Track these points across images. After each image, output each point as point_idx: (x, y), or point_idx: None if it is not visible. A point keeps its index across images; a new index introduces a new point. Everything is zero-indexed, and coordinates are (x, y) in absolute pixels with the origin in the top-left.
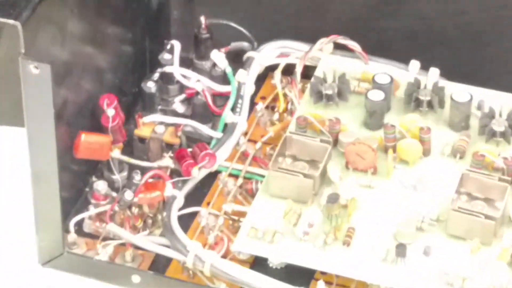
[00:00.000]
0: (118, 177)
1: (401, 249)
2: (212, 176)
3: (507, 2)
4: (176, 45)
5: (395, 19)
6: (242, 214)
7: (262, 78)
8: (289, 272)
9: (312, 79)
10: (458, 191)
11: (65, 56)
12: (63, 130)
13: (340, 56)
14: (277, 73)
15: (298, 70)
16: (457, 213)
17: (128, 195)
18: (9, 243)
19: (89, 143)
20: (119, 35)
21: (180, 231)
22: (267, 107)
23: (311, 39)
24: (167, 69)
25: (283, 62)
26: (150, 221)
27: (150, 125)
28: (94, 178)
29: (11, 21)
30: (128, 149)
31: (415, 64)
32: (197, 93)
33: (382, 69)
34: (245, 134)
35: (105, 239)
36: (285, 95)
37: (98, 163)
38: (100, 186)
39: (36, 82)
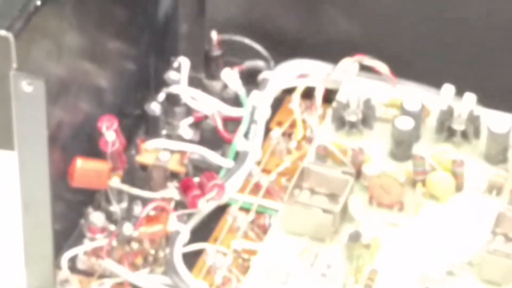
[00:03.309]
0: (117, 208)
1: None
2: (221, 210)
3: None
4: (184, 62)
5: (428, 39)
6: (253, 252)
7: (279, 102)
8: None
9: (334, 104)
10: (494, 231)
11: (61, 72)
12: (57, 155)
13: (365, 78)
14: (296, 96)
15: (319, 93)
16: (492, 256)
17: (128, 228)
18: None
19: (85, 170)
20: (121, 51)
21: (185, 270)
22: (283, 134)
23: (334, 59)
24: (174, 89)
25: (302, 84)
26: (151, 258)
27: (153, 151)
28: (90, 209)
29: (2, 32)
30: (128, 178)
31: (448, 88)
32: (206, 117)
33: (412, 94)
34: (259, 163)
35: (101, 277)
36: (303, 121)
37: (95, 193)
38: (97, 218)
39: (28, 101)
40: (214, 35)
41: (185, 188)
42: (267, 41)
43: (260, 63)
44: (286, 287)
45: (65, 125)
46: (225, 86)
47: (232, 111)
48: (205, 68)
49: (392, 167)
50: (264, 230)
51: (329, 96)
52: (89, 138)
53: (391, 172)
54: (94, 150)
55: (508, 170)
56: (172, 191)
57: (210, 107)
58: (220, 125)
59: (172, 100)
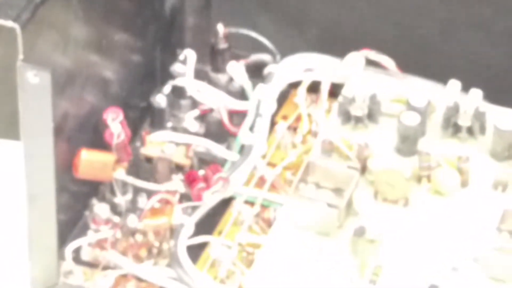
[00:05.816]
0: (122, 200)
1: None
2: (226, 203)
3: None
4: (190, 55)
5: (434, 34)
6: (258, 245)
7: (284, 95)
8: None
9: (340, 98)
10: (499, 228)
11: (67, 64)
12: (63, 146)
13: (371, 73)
14: (301, 90)
15: (325, 87)
16: (498, 253)
17: (132, 220)
18: None
19: (90, 161)
20: (128, 43)
21: (189, 263)
22: (288, 128)
23: (340, 53)
24: (180, 82)
25: (308, 78)
26: (155, 250)
27: (158, 143)
28: (94, 201)
29: (9, 23)
30: (133, 170)
31: (454, 84)
32: (212, 109)
33: (418, 89)
34: (264, 157)
35: (105, 268)
36: (309, 115)
37: (100, 184)
38: (101, 209)
39: (34, 92)
40: (221, 28)
41: (190, 180)
42: (273, 34)
43: (266, 57)
44: (291, 281)
45: (70, 116)
46: (231, 79)
47: (238, 104)
48: (211, 61)
49: (397, 162)
50: (269, 223)
51: (335, 90)
52: (95, 130)
53: (396, 167)
54: (99, 142)
55: None
56: (177, 183)
57: (215, 100)
58: (225, 118)
59: (178, 93)
